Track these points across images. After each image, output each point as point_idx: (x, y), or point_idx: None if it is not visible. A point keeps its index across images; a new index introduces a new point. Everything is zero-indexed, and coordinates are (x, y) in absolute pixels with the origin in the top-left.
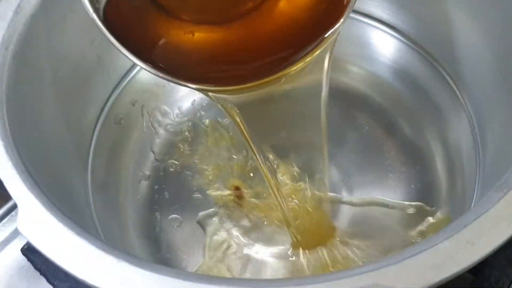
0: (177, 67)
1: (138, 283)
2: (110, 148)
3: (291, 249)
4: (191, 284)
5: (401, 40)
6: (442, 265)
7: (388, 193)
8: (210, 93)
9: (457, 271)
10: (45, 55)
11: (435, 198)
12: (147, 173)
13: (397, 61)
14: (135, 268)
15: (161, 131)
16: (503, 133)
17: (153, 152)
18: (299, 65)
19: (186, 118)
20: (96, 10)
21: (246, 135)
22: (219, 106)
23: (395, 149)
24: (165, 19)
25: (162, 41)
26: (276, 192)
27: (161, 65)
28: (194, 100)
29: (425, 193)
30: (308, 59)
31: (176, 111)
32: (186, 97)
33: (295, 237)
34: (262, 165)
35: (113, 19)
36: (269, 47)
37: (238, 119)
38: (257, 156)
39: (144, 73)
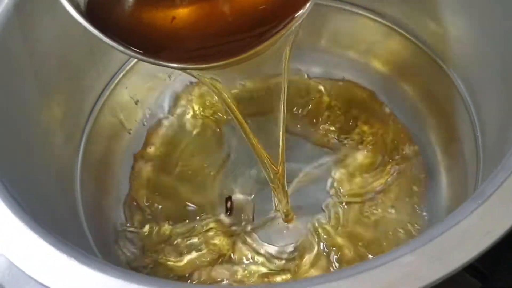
0: (160, 48)
1: None
2: (104, 139)
3: None
4: None
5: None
6: (401, 280)
7: None
8: (194, 72)
9: None
10: (31, 46)
11: None
12: None
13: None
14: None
15: None
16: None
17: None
18: (271, 42)
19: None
20: (76, 6)
21: (233, 107)
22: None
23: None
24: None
25: (145, 25)
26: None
27: (147, 49)
28: None
29: None
30: (278, 36)
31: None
32: None
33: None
34: (247, 132)
35: (95, 11)
36: (244, 25)
37: (225, 94)
38: (242, 124)
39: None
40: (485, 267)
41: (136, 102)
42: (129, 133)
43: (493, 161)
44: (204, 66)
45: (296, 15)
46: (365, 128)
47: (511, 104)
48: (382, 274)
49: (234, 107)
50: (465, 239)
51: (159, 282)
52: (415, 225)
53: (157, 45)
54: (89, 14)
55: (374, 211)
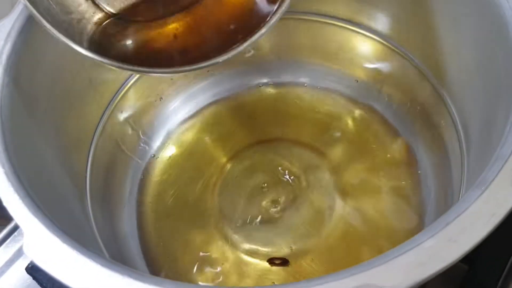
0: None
1: None
2: (106, 165)
3: None
4: None
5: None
6: (427, 262)
7: None
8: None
9: (441, 268)
10: (38, 81)
11: None
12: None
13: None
14: (139, 283)
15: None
16: (483, 133)
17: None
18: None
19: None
20: (79, 42)
21: None
22: None
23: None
24: (132, 26)
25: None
26: None
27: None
28: None
29: None
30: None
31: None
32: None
33: None
34: None
35: (100, 44)
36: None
37: None
38: None
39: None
40: (471, 251)
41: (132, 127)
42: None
43: (480, 154)
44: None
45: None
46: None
47: (490, 97)
48: (409, 259)
49: None
50: (475, 222)
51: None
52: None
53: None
54: (93, 47)
55: None
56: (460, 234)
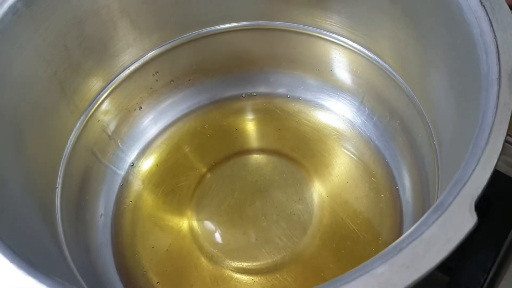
0: None
1: None
2: (82, 176)
3: None
4: None
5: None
6: None
7: None
8: None
9: None
10: (4, 96)
11: None
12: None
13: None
14: None
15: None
16: (452, 151)
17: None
18: None
19: None
20: None
21: None
22: None
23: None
24: None
25: None
26: None
27: None
28: None
29: None
30: None
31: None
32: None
33: None
34: None
35: None
36: None
37: None
38: None
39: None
40: (452, 262)
41: (110, 136)
42: (105, 166)
43: (447, 173)
44: None
45: None
46: None
47: (461, 114)
48: (359, 286)
49: None
50: (430, 247)
51: None
52: None
53: None
54: None
55: None
56: (413, 260)
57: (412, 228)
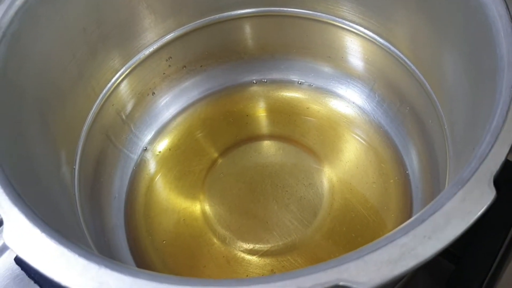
0: None
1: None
2: (96, 158)
3: None
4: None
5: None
6: (400, 259)
7: None
8: None
9: (414, 265)
10: (26, 72)
11: None
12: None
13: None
14: (115, 273)
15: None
16: (466, 133)
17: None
18: None
19: None
20: None
21: None
22: None
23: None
24: None
25: None
26: None
27: None
28: None
29: None
30: None
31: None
32: None
33: None
34: None
35: None
36: None
37: None
38: None
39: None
40: (457, 250)
41: (123, 121)
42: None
43: (462, 154)
44: None
45: None
46: None
47: (474, 98)
48: (382, 255)
49: None
50: (451, 219)
51: (186, 281)
52: None
53: None
54: None
55: None
56: (435, 231)
57: (433, 201)
